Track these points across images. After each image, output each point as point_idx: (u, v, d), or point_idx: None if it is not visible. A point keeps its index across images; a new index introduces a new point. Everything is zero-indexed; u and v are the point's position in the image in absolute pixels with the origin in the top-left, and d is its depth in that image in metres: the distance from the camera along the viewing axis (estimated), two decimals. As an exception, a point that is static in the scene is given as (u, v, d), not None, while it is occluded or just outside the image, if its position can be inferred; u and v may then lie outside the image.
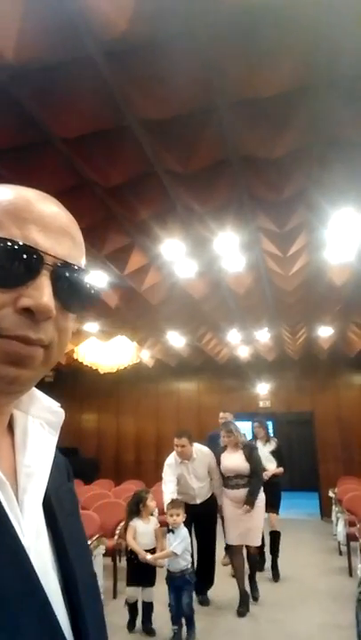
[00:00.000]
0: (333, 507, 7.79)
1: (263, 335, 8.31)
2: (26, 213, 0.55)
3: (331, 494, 8.26)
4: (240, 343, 9.00)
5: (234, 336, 8.38)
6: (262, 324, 7.72)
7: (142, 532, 4.27)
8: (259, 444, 6.04)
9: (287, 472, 6.14)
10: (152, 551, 4.23)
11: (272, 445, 6.18)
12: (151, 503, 4.40)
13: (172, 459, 4.84)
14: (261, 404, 10.96)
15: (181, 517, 4.10)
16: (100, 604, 0.67)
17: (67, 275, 0.56)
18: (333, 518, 7.71)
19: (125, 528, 4.41)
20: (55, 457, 0.66)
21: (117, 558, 5.41)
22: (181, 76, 2.58)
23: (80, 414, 12.05)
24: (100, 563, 4.65)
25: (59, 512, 0.62)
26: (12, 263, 0.52)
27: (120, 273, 5.17)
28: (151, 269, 5.34)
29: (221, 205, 3.90)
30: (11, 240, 0.53)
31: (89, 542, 4.55)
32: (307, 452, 11.47)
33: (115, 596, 4.87)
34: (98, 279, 5.44)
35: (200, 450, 4.89)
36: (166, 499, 4.49)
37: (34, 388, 0.64)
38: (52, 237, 0.56)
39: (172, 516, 4.10)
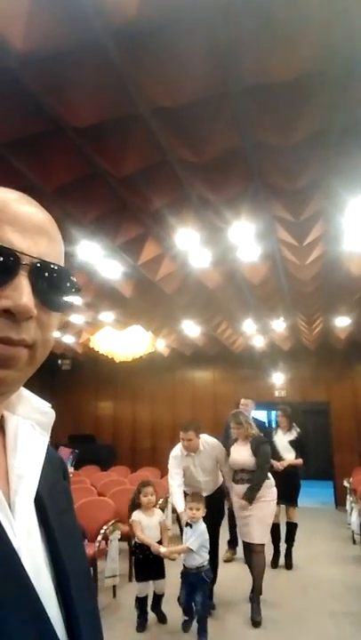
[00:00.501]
0: (348, 496, 7.76)
1: (279, 325, 8.25)
2: (0, 214, 0.55)
3: (346, 484, 8.23)
4: (255, 333, 8.95)
5: (249, 326, 8.34)
6: (278, 314, 7.66)
7: (146, 525, 4.13)
8: (279, 433, 5.86)
9: (307, 463, 5.80)
10: (159, 544, 4.09)
11: (292, 435, 5.88)
12: (145, 498, 4.19)
13: (177, 450, 4.62)
14: (277, 393, 10.92)
15: (201, 512, 3.94)
16: (93, 599, 0.68)
17: (45, 274, 0.56)
18: (348, 508, 7.69)
19: (129, 521, 4.26)
20: (50, 455, 0.67)
21: (133, 542, 5.46)
22: (194, 62, 2.53)
23: (96, 402, 12.15)
24: (115, 547, 4.72)
25: (51, 510, 0.63)
26: None
27: (134, 263, 5.15)
28: (165, 259, 5.31)
29: (236, 194, 3.85)
30: None
31: (105, 527, 4.64)
32: (322, 442, 11.42)
33: (130, 579, 4.94)
34: (112, 269, 5.44)
35: (207, 442, 4.63)
36: (173, 491, 4.38)
37: (23, 389, 0.65)
38: (27, 237, 0.56)
39: (191, 509, 3.95)
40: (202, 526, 3.93)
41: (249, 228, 4.42)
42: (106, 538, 4.62)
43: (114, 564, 4.55)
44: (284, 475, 5.26)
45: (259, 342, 9.80)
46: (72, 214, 4.11)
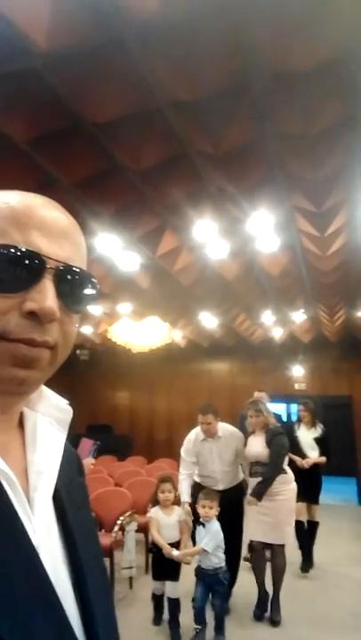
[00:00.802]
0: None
1: (299, 316, 8.14)
2: (27, 219, 0.57)
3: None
4: (275, 324, 8.85)
5: (268, 317, 8.25)
6: (298, 306, 7.56)
7: (164, 524, 3.89)
8: (302, 429, 5.57)
9: (329, 460, 5.49)
10: (175, 545, 3.84)
11: (317, 432, 5.55)
12: (162, 495, 3.94)
13: (192, 434, 4.36)
14: (297, 386, 10.81)
15: (215, 511, 3.71)
16: (110, 597, 0.69)
17: (68, 277, 0.58)
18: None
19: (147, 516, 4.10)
20: (67, 451, 0.68)
21: (149, 534, 5.48)
22: (213, 54, 2.48)
23: (113, 392, 12.23)
24: (132, 538, 4.72)
25: (69, 507, 0.64)
26: (15, 269, 0.54)
27: (152, 255, 5.13)
28: (183, 251, 5.27)
29: (255, 185, 3.78)
30: (14, 246, 0.54)
31: (122, 518, 4.67)
32: (344, 437, 11.21)
33: (146, 571, 4.96)
34: (130, 261, 5.42)
35: (226, 429, 4.36)
36: (180, 479, 4.17)
37: (43, 386, 0.66)
38: (53, 241, 0.58)
39: (203, 507, 3.71)
40: (216, 525, 3.71)
41: (268, 219, 4.34)
42: (122, 529, 4.64)
43: (130, 556, 4.56)
44: (305, 471, 5.08)
45: (278, 334, 9.70)
46: (91, 207, 4.10)
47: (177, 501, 3.98)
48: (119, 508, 4.78)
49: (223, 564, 3.68)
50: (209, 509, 3.70)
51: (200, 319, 8.43)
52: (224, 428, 4.31)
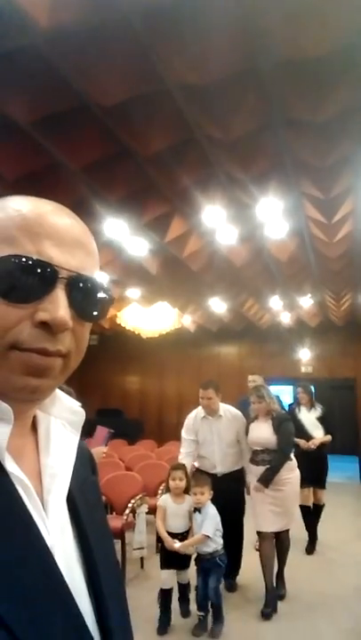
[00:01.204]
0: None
1: (306, 301, 8.16)
2: (39, 228, 0.56)
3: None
4: (282, 309, 8.88)
5: (276, 302, 8.28)
6: (305, 291, 7.57)
7: (173, 512, 3.69)
8: (303, 411, 5.48)
9: (333, 439, 5.39)
10: (184, 536, 3.66)
11: (318, 411, 5.49)
12: (173, 482, 3.71)
13: (193, 412, 4.22)
14: (303, 369, 10.89)
15: (207, 496, 3.57)
16: (123, 596, 0.70)
17: (81, 285, 0.58)
18: (374, 484, 7.70)
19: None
20: (80, 451, 0.68)
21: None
22: (222, 38, 2.47)
23: (123, 376, 12.34)
24: (143, 520, 4.82)
25: (82, 507, 0.65)
26: (27, 279, 0.54)
27: (161, 240, 5.15)
28: (192, 236, 5.29)
29: (264, 171, 3.79)
30: (26, 256, 0.54)
31: (133, 501, 4.77)
32: (348, 418, 11.38)
33: (157, 551, 5.08)
34: (138, 246, 5.45)
35: (229, 410, 4.21)
36: (180, 459, 4.06)
37: (56, 389, 0.66)
38: (65, 250, 0.57)
39: (195, 494, 3.59)
40: (211, 509, 3.57)
41: (277, 205, 4.34)
42: (133, 511, 4.75)
43: (141, 537, 4.66)
44: (311, 455, 4.91)
45: (285, 318, 9.74)
46: (98, 192, 4.11)
47: (188, 489, 3.78)
48: (130, 492, 4.87)
49: (220, 547, 3.57)
50: (200, 495, 3.56)
51: (209, 304, 8.47)
52: (226, 408, 4.18)
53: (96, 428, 3.13)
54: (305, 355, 10.95)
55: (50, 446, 0.64)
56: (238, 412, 4.22)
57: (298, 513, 4.51)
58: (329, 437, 5.33)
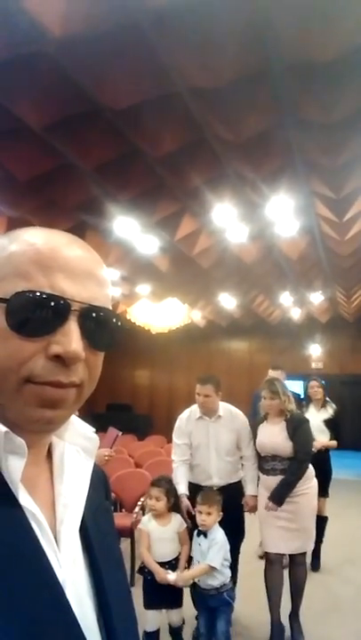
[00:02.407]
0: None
1: (317, 297, 8.15)
2: (51, 261, 0.57)
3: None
4: (293, 305, 8.87)
5: (286, 298, 8.27)
6: (316, 287, 7.56)
7: (158, 537, 2.97)
8: (311, 410, 4.80)
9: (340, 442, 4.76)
10: (172, 564, 2.94)
11: (328, 412, 4.81)
12: (150, 502, 3.05)
13: (186, 412, 3.58)
14: (314, 365, 10.87)
15: (214, 517, 2.93)
16: (134, 622, 0.70)
17: (93, 316, 0.58)
18: (384, 481, 7.67)
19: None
20: (95, 475, 0.69)
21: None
22: (233, 40, 2.46)
23: (133, 372, 12.40)
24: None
25: (94, 535, 0.65)
26: (41, 312, 0.54)
27: (171, 238, 5.16)
28: (202, 234, 5.29)
29: (274, 171, 3.78)
30: (39, 291, 0.55)
31: (142, 499, 4.80)
32: (359, 413, 11.38)
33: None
34: (149, 244, 5.46)
35: (228, 409, 3.57)
36: (174, 467, 3.46)
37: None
38: (77, 282, 0.58)
39: (200, 513, 2.93)
40: (220, 535, 2.94)
41: (287, 204, 4.34)
42: (143, 509, 4.78)
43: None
44: (313, 458, 4.02)
45: (296, 314, 9.72)
46: (110, 192, 4.13)
47: (174, 508, 3.12)
48: (139, 489, 4.90)
49: (228, 579, 2.93)
50: (207, 516, 2.92)
51: (219, 300, 8.47)
52: (226, 407, 3.56)
53: (108, 429, 3.08)
54: (315, 350, 10.92)
55: (64, 474, 0.64)
56: (238, 412, 3.62)
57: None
58: (334, 443, 4.70)
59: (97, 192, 4.21)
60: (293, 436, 3.30)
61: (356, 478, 9.84)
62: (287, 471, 3.27)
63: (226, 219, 4.72)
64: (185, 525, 3.06)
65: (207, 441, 3.44)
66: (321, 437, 4.61)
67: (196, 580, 2.91)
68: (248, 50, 2.56)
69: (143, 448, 7.37)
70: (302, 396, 5.14)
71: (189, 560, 3.01)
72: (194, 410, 3.52)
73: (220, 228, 5.01)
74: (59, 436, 0.66)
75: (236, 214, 4.63)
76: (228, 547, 2.94)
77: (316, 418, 4.70)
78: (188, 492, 3.27)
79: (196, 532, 3.00)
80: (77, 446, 0.68)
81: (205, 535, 2.92)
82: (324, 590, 4.33)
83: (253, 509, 3.49)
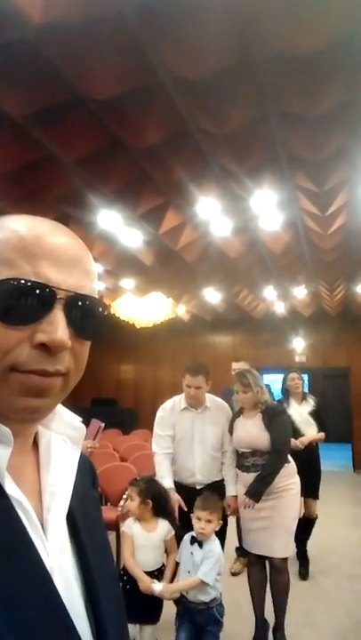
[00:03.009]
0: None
1: (300, 292, 8.20)
2: (36, 249, 0.56)
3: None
4: (276, 299, 8.92)
5: (270, 292, 8.31)
6: (299, 282, 7.60)
7: (142, 544, 2.72)
8: (293, 404, 4.52)
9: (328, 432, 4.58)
10: (155, 575, 2.69)
11: (310, 405, 4.58)
12: (127, 504, 2.87)
13: (170, 402, 3.39)
14: (297, 358, 10.95)
15: (214, 526, 2.67)
16: (121, 609, 0.70)
17: (79, 304, 0.58)
18: (366, 472, 7.80)
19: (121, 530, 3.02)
20: (82, 464, 0.69)
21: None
22: (216, 31, 2.45)
23: (118, 366, 12.36)
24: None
25: (82, 523, 0.65)
26: (26, 301, 0.54)
27: (155, 232, 5.14)
28: (187, 228, 5.28)
29: (258, 164, 3.78)
30: (24, 279, 0.54)
31: (127, 493, 4.80)
32: (341, 406, 11.55)
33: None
34: (133, 238, 5.43)
35: (214, 400, 3.37)
36: (158, 460, 3.26)
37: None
38: (63, 270, 0.57)
39: (199, 520, 2.66)
40: (216, 546, 2.68)
41: (271, 198, 4.34)
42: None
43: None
44: (303, 457, 3.91)
45: (280, 308, 9.78)
46: (93, 184, 4.10)
47: (161, 512, 2.85)
48: (125, 483, 4.88)
49: (219, 595, 2.67)
50: (206, 524, 2.65)
51: (203, 294, 8.48)
52: (211, 398, 3.38)
53: (91, 421, 3.03)
54: (299, 344, 11.01)
55: (50, 463, 0.64)
56: (223, 403, 3.45)
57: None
58: (322, 435, 4.48)
59: (79, 184, 4.17)
60: (270, 427, 3.15)
61: (339, 470, 9.99)
62: (266, 464, 3.11)
63: (210, 212, 4.72)
64: (173, 533, 2.80)
65: (192, 434, 3.24)
66: (310, 430, 4.44)
67: (184, 593, 2.64)
68: (232, 42, 2.54)
69: (128, 442, 7.37)
70: (272, 389, 4.90)
71: (175, 570, 2.76)
72: (178, 400, 3.36)
73: (204, 222, 5.01)
74: (45, 425, 0.66)
75: (220, 208, 4.62)
76: (223, 560, 2.70)
77: (301, 411, 4.53)
78: (174, 486, 3.13)
79: (189, 538, 2.71)
80: (64, 435, 0.68)
81: (201, 545, 2.65)
82: (311, 598, 4.39)
83: (236, 512, 3.29)
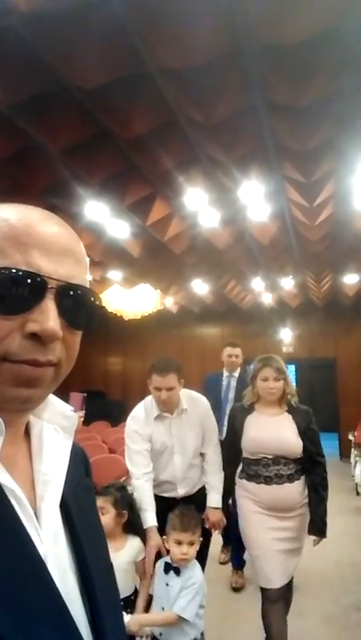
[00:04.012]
0: (353, 449, 7.98)
1: (287, 282, 8.24)
2: (27, 238, 0.56)
3: (350, 437, 8.44)
4: (264, 290, 8.96)
5: (258, 283, 8.34)
6: (287, 272, 7.64)
7: None
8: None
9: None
10: (126, 603, 2.22)
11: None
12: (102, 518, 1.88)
13: (140, 409, 2.77)
14: (285, 349, 11.02)
15: (195, 548, 2.17)
16: (116, 596, 0.71)
17: (70, 294, 0.57)
18: (352, 460, 7.92)
19: None
20: (75, 453, 0.69)
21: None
22: (204, 21, 2.44)
23: (106, 358, 12.34)
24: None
25: (75, 511, 0.65)
26: (17, 290, 0.53)
27: (142, 223, 5.11)
28: (174, 219, 5.27)
29: (246, 155, 3.78)
30: (14, 268, 0.54)
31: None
32: (328, 396, 11.65)
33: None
34: (120, 229, 5.40)
35: (191, 398, 2.79)
36: (138, 485, 2.58)
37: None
38: (54, 260, 0.56)
39: (179, 544, 2.15)
40: (197, 573, 2.17)
41: (259, 189, 4.34)
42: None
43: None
44: None
45: (267, 299, 9.82)
46: (79, 174, 4.06)
47: (131, 527, 2.41)
48: (113, 475, 4.92)
49: (200, 634, 2.13)
50: (188, 546, 2.15)
51: (191, 286, 8.48)
52: (187, 395, 2.79)
53: (70, 395, 2.90)
54: (286, 335, 11.09)
55: (43, 452, 0.64)
56: (198, 396, 2.87)
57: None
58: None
59: (66, 175, 4.13)
60: (306, 432, 2.62)
61: (326, 458, 10.10)
62: (315, 482, 2.65)
63: (197, 203, 4.70)
64: (144, 553, 2.35)
65: (170, 444, 2.67)
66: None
67: (156, 634, 2.08)
68: (219, 31, 2.53)
69: (117, 434, 7.38)
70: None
71: (149, 599, 2.26)
72: (149, 405, 2.75)
73: (191, 213, 5.00)
74: (37, 415, 0.66)
75: (207, 199, 4.61)
76: (205, 590, 2.16)
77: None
78: (156, 523, 2.45)
79: (162, 566, 2.20)
80: (56, 425, 0.68)
81: (178, 572, 2.11)
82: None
83: (217, 526, 2.74)
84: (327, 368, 11.54)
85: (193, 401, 2.80)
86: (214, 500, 2.75)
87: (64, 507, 0.63)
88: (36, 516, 0.58)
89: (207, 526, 2.70)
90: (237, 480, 2.73)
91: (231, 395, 4.41)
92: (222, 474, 2.80)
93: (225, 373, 4.56)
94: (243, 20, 2.42)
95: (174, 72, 2.81)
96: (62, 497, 0.63)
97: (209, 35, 2.53)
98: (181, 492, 2.72)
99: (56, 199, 4.62)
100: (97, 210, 4.79)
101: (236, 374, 4.52)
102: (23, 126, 3.31)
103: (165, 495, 2.71)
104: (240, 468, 2.73)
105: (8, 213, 0.57)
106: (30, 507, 0.58)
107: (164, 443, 2.69)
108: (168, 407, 2.70)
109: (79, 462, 0.73)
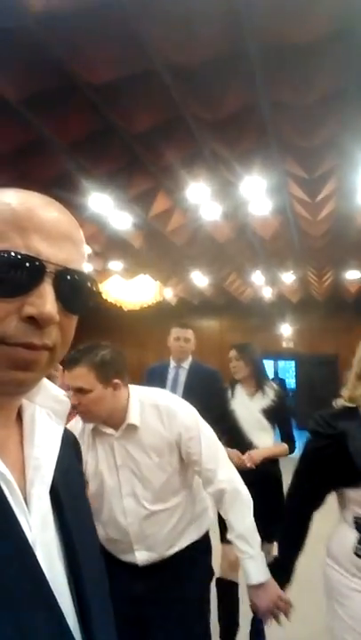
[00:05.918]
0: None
1: (288, 277, 8.27)
2: (27, 222, 0.56)
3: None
4: (264, 284, 8.99)
5: (258, 277, 8.37)
6: (288, 267, 7.67)
7: None
8: (240, 396, 2.96)
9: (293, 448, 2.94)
10: None
11: (266, 398, 2.95)
12: None
13: (78, 421, 1.76)
14: (285, 344, 11.05)
15: None
16: (105, 584, 0.70)
17: (68, 278, 0.58)
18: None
19: None
20: (66, 438, 0.68)
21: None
22: (210, 19, 2.47)
23: (105, 348, 12.39)
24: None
25: (65, 497, 0.64)
26: (15, 273, 0.54)
27: (145, 215, 5.15)
28: (176, 212, 5.30)
29: (249, 150, 3.81)
30: (14, 251, 0.54)
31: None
32: (328, 393, 11.61)
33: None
34: (122, 220, 5.44)
35: (149, 403, 1.72)
36: None
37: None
38: (53, 244, 0.57)
39: None
40: None
41: (261, 184, 4.38)
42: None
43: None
44: (256, 478, 2.31)
45: (267, 293, 9.84)
46: (84, 167, 4.10)
47: None
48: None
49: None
50: None
51: (191, 278, 8.52)
52: (144, 400, 1.74)
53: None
54: (286, 330, 11.11)
55: (34, 436, 0.63)
56: (177, 403, 1.80)
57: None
58: (283, 448, 2.94)
59: (71, 167, 4.16)
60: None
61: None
62: None
63: (200, 197, 4.74)
64: None
65: (115, 477, 1.69)
66: (259, 436, 2.90)
67: None
68: (224, 30, 2.57)
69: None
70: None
71: None
72: (82, 425, 1.76)
73: (194, 206, 5.03)
74: (29, 398, 0.66)
75: (210, 193, 4.65)
76: None
77: (251, 407, 2.96)
78: None
79: None
80: (48, 409, 0.68)
81: None
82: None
83: (275, 611, 1.67)
84: (329, 364, 11.48)
85: (158, 411, 1.70)
86: (253, 570, 1.64)
87: (54, 492, 0.63)
88: (26, 502, 0.58)
89: (261, 616, 1.76)
90: (351, 557, 1.59)
91: (179, 391, 3.40)
92: (251, 515, 1.71)
93: (172, 363, 3.61)
94: (247, 20, 2.45)
95: (180, 69, 2.85)
96: (52, 482, 0.62)
97: (214, 33, 2.57)
98: (141, 557, 1.69)
99: (61, 191, 4.65)
100: (101, 201, 4.82)
101: (186, 365, 3.59)
102: (32, 120, 3.35)
103: (122, 559, 1.72)
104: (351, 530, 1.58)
105: (10, 198, 0.58)
106: (20, 491, 0.57)
107: (104, 475, 1.69)
108: (111, 423, 1.69)
109: (70, 448, 0.73)
